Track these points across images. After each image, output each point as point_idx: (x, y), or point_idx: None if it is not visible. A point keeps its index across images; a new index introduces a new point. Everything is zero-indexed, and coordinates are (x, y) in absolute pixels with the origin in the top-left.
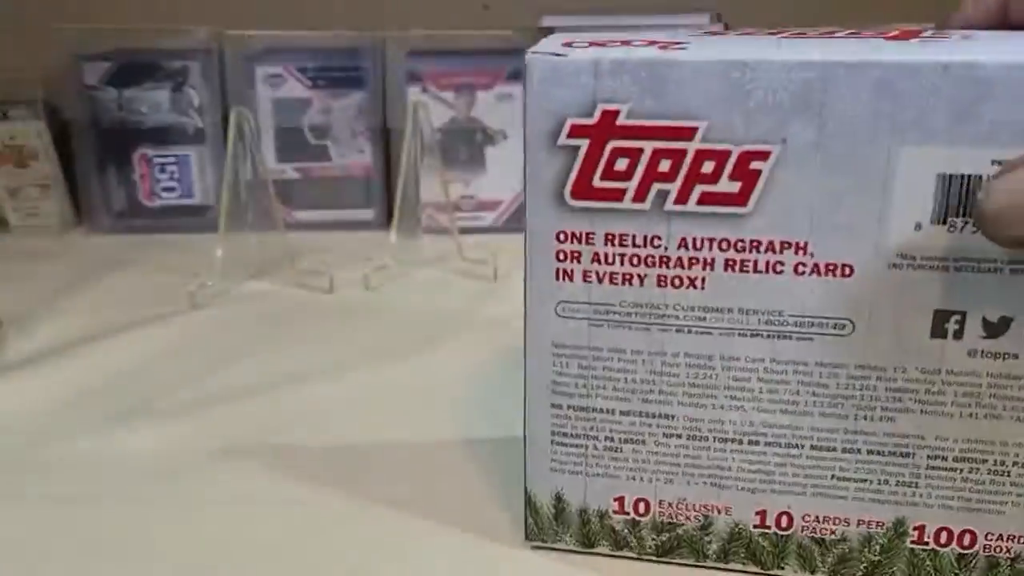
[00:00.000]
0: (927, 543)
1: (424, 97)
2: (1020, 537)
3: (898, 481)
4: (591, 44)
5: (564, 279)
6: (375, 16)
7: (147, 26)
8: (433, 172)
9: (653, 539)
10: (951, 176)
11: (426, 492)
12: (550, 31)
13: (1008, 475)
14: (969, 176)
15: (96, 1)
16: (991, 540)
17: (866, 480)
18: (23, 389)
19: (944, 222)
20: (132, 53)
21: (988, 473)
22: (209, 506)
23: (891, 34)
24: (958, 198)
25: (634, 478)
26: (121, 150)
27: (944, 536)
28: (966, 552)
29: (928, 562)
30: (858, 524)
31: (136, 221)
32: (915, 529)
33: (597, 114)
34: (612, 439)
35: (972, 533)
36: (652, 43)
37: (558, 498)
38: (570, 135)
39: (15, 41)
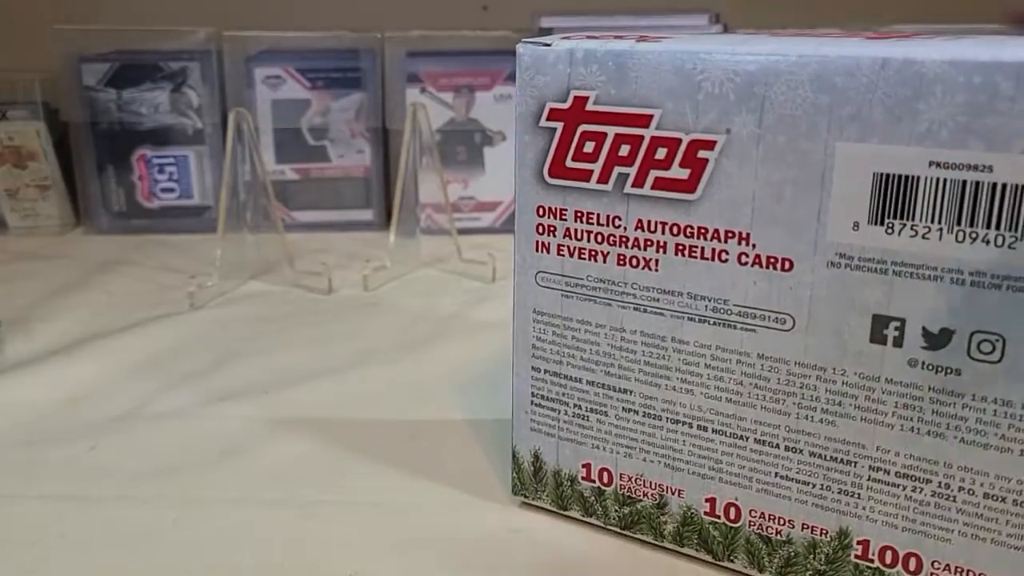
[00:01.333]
0: (872, 560)
1: (423, 98)
2: (970, 571)
3: (840, 489)
4: (587, 37)
5: (542, 251)
6: (374, 17)
7: (146, 27)
8: (432, 173)
9: (616, 510)
10: (888, 175)
11: (428, 459)
12: (549, 32)
13: (954, 500)
14: (906, 176)
15: (95, 2)
16: (938, 569)
17: (809, 483)
18: (22, 389)
19: (881, 223)
20: (131, 54)
21: (933, 495)
22: (209, 506)
23: (882, 34)
24: (895, 198)
25: (598, 447)
26: (120, 151)
27: (889, 556)
28: None
29: None
30: (803, 528)
31: (135, 222)
32: (859, 543)
33: (570, 99)
34: (580, 407)
35: (918, 558)
36: (642, 38)
37: (536, 456)
38: (548, 118)
39: (15, 41)
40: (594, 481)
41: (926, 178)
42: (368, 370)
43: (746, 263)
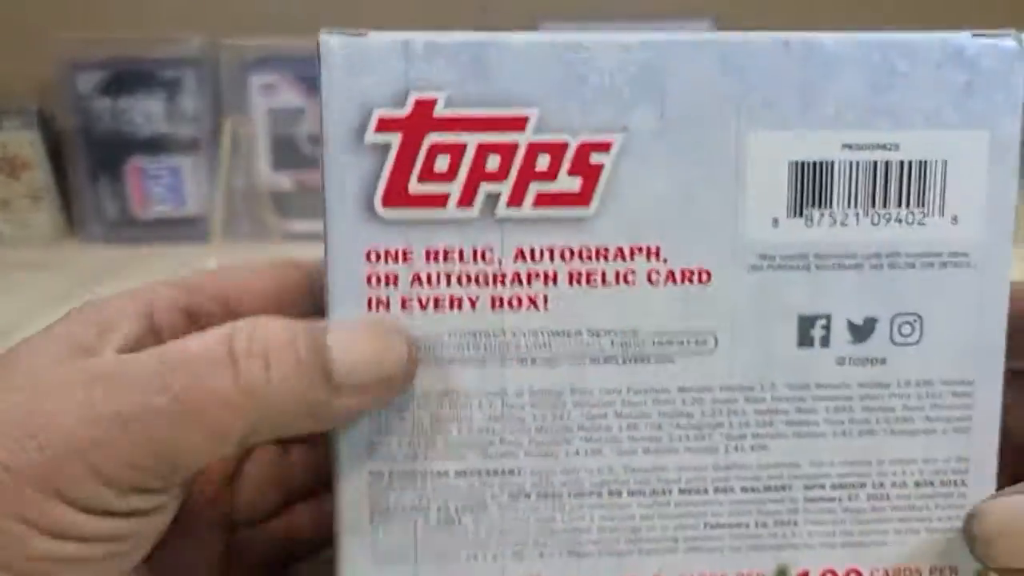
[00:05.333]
0: None
1: None
2: (906, 570)
3: (776, 520)
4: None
5: (378, 308)
6: (370, 21)
7: (141, 35)
8: None
9: None
10: (803, 163)
11: None
12: None
13: (888, 499)
14: (821, 162)
15: (90, 10)
16: None
17: (742, 524)
18: None
19: (801, 215)
20: (126, 62)
21: (868, 499)
22: None
23: None
24: (812, 187)
25: (476, 555)
26: (114, 160)
27: None
28: None
29: None
30: None
31: (129, 232)
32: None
33: (410, 104)
34: (447, 509)
35: (857, 572)
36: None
37: None
38: (378, 129)
39: (8, 50)
40: None
41: (840, 161)
42: None
43: (657, 282)
